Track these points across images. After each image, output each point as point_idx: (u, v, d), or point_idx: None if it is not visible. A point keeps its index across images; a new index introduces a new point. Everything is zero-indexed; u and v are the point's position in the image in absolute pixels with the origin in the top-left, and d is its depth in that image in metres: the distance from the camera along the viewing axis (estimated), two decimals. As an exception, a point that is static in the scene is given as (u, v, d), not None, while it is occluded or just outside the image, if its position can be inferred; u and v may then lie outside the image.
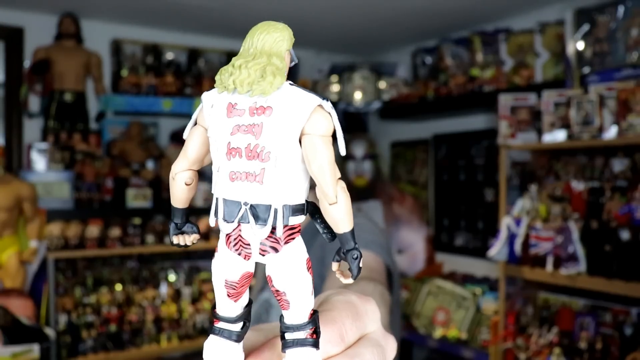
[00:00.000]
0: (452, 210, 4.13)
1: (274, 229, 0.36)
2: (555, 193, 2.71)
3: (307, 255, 0.38)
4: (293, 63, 0.39)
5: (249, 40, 0.39)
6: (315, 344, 0.38)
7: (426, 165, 4.36)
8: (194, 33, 4.15)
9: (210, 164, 0.39)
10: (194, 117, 0.39)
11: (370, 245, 1.33)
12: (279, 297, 0.38)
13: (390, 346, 0.43)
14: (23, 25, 3.67)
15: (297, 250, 0.37)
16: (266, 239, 0.37)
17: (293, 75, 4.36)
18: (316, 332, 0.38)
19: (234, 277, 0.38)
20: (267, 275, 0.38)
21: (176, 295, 3.79)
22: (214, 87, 0.39)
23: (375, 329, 0.43)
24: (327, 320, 0.39)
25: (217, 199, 0.37)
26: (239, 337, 0.39)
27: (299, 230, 0.38)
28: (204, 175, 3.99)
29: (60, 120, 3.65)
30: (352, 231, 0.38)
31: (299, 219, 0.37)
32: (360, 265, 0.38)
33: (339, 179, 0.36)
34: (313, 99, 0.36)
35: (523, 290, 2.99)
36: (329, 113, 0.36)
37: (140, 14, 3.75)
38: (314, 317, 0.38)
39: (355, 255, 0.38)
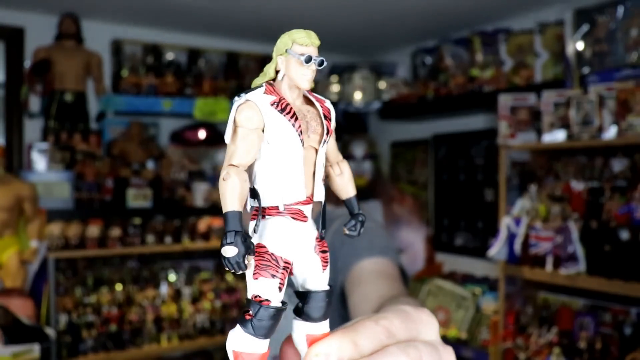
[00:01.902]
0: (452, 210, 4.14)
1: None
2: (555, 193, 2.71)
3: (260, 240, 0.42)
4: (307, 61, 0.43)
5: None
6: (244, 324, 0.40)
7: (426, 165, 4.36)
8: (194, 33, 4.15)
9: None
10: None
11: (386, 250, 1.33)
12: None
13: (448, 354, 0.44)
14: (23, 25, 3.67)
15: (251, 230, 0.42)
16: None
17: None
18: (247, 315, 0.40)
19: None
20: None
21: (176, 295, 3.79)
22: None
23: (433, 338, 0.45)
24: (378, 318, 0.42)
25: None
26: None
27: (261, 214, 0.42)
28: (203, 175, 4.00)
29: (61, 120, 3.65)
30: (230, 215, 0.39)
31: (252, 202, 0.43)
32: (227, 255, 0.39)
33: (231, 165, 0.41)
34: (237, 100, 0.43)
35: (523, 290, 2.99)
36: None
37: (141, 14, 3.75)
38: (255, 304, 0.40)
39: (224, 239, 0.39)
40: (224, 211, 0.40)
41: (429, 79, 3.99)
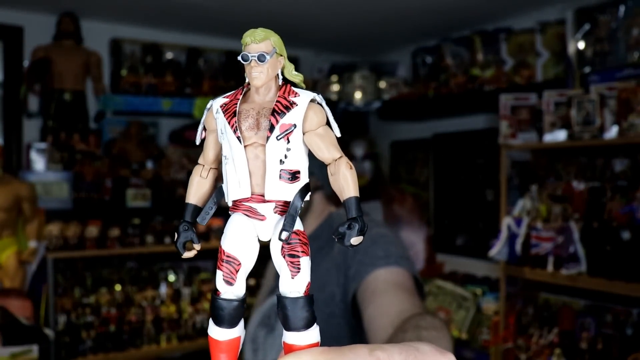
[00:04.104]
0: (452, 210, 4.13)
1: None
2: (556, 193, 2.70)
3: (225, 230, 0.44)
4: (244, 60, 0.45)
5: None
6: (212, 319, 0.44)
7: (426, 165, 4.35)
8: (194, 32, 4.13)
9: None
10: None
11: (401, 261, 1.30)
12: None
13: None
14: (22, 24, 3.66)
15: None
16: None
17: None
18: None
19: None
20: None
21: (176, 296, 3.78)
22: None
23: None
24: (374, 347, 0.39)
25: None
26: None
27: (231, 209, 0.45)
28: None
29: (60, 120, 3.64)
30: (186, 206, 0.46)
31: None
32: (179, 243, 0.45)
33: (198, 163, 0.48)
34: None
35: (523, 291, 2.98)
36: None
37: (140, 13, 3.74)
38: (214, 296, 0.44)
39: (180, 228, 0.45)
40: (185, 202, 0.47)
41: (430, 79, 3.98)
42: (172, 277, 3.83)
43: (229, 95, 0.46)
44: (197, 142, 0.48)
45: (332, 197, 1.59)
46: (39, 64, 3.58)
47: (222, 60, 4.14)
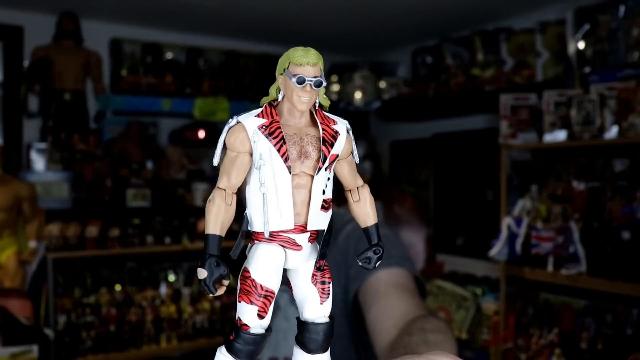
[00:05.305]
0: (452, 210, 4.12)
1: None
2: (556, 193, 2.70)
3: (247, 264, 0.41)
4: (299, 82, 0.41)
5: None
6: (228, 346, 0.42)
7: (426, 165, 4.34)
8: (194, 32, 4.13)
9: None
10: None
11: (402, 261, 1.31)
12: None
13: None
14: (22, 24, 3.66)
15: (248, 254, 0.43)
16: None
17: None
18: (231, 337, 0.42)
19: None
20: None
21: (176, 296, 3.77)
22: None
23: None
24: None
25: None
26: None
27: (255, 238, 0.42)
28: (203, 175, 3.98)
29: (60, 120, 3.63)
30: (209, 238, 0.40)
31: (244, 226, 0.43)
32: (199, 277, 0.41)
33: (218, 187, 0.42)
34: (230, 122, 0.43)
35: (523, 291, 2.98)
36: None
37: (140, 13, 3.74)
38: (237, 327, 0.41)
39: (200, 261, 0.41)
40: (205, 233, 0.41)
41: (430, 79, 3.98)
42: (172, 277, 3.83)
43: (260, 114, 0.42)
44: (215, 162, 0.43)
45: (335, 198, 1.58)
46: (39, 64, 3.58)
47: (222, 60, 4.14)
